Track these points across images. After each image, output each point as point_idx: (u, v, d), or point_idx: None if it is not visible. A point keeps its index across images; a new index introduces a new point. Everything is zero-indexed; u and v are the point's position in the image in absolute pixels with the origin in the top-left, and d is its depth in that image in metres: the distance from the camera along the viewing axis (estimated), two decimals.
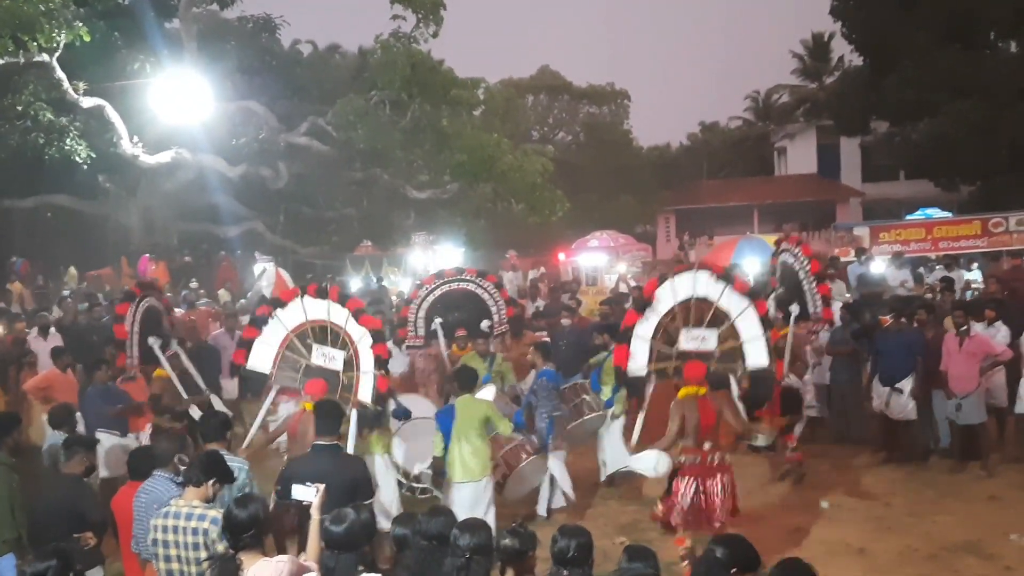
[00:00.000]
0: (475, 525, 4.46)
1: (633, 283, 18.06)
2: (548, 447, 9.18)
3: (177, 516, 5.15)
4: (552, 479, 9.42)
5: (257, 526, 4.62)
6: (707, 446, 7.59)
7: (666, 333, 8.49)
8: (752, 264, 20.45)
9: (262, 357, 8.46)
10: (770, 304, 10.29)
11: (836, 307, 12.36)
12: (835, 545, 8.39)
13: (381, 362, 8.17)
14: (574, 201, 27.39)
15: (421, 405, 10.57)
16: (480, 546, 4.30)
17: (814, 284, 10.30)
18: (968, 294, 15.52)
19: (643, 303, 8.56)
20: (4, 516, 6.22)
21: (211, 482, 5.29)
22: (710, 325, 8.43)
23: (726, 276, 8.57)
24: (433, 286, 12.22)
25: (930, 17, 27.07)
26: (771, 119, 51.23)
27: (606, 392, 10.17)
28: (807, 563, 3.86)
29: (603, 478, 10.38)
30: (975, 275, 17.31)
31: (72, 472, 6.48)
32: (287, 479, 5.90)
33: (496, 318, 12.00)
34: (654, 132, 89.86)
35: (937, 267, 18.06)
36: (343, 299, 8.38)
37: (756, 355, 8.40)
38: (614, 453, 10.19)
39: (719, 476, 7.60)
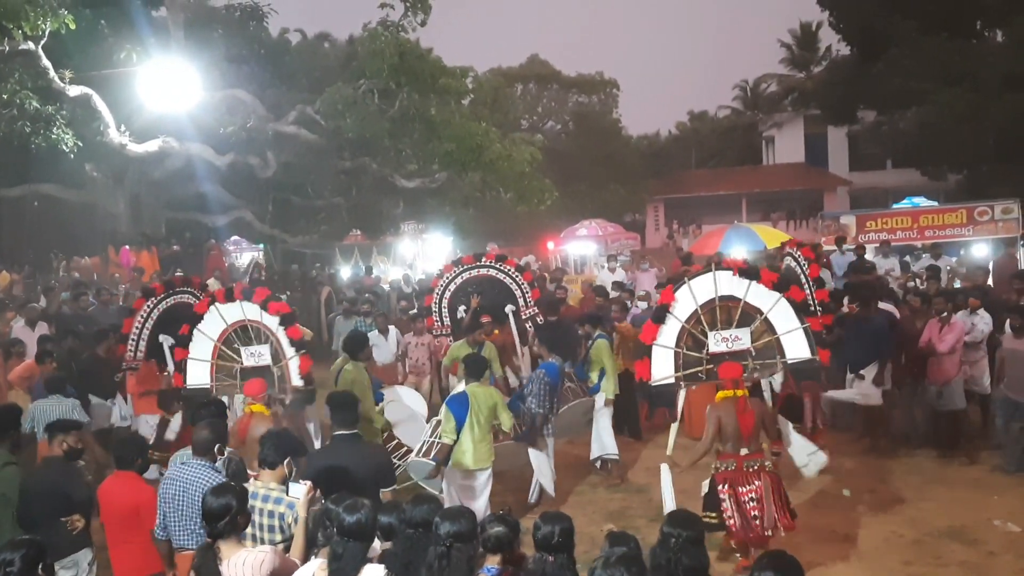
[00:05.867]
0: (456, 513, 4.47)
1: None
2: (526, 439, 9.20)
3: (254, 497, 5.21)
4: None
5: (231, 515, 4.64)
6: (743, 451, 7.26)
7: (691, 338, 8.15)
8: (739, 253, 20.50)
9: (198, 373, 8.49)
10: None
11: None
12: (821, 531, 8.43)
13: (298, 344, 8.28)
14: (563, 190, 27.42)
15: (411, 396, 10.62)
16: (461, 533, 4.30)
17: (813, 289, 10.20)
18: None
19: (661, 312, 8.26)
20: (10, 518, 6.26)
21: (286, 461, 5.45)
22: (740, 324, 8.05)
23: (750, 272, 8.18)
24: (453, 274, 12.20)
25: (917, 5, 27.11)
26: (759, 108, 51.36)
27: (593, 379, 10.25)
28: (792, 555, 3.91)
29: (591, 458, 10.44)
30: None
31: (54, 455, 6.48)
32: (309, 470, 5.93)
33: (522, 302, 11.96)
34: (643, 121, 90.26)
35: (924, 255, 18.12)
36: (248, 295, 8.43)
37: (796, 346, 7.96)
38: (599, 438, 10.26)
39: (757, 483, 7.20)
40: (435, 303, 12.20)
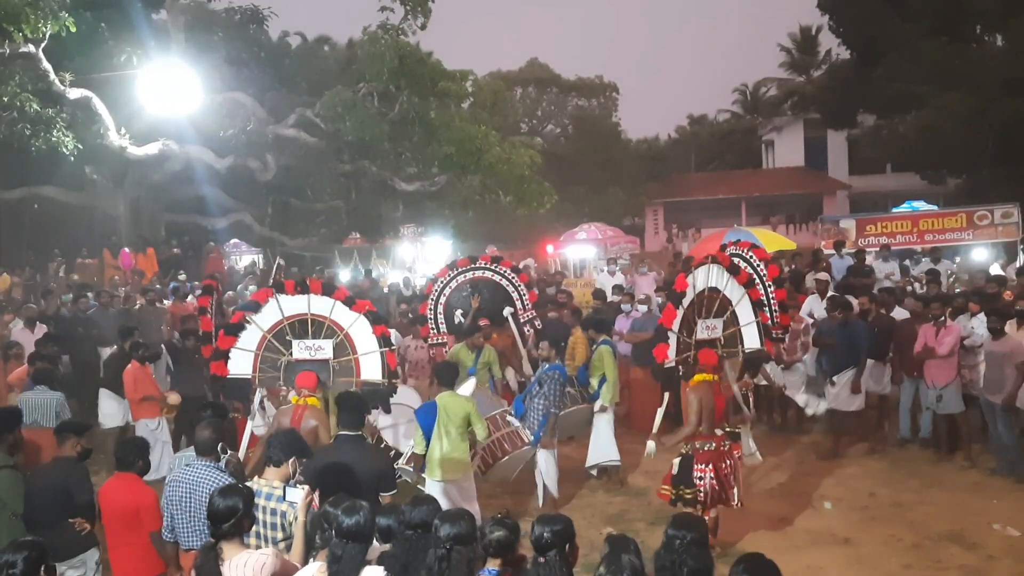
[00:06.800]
0: (456, 515, 4.45)
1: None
2: (538, 441, 9.20)
3: (259, 494, 5.23)
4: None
5: (236, 517, 4.65)
6: (719, 432, 7.84)
7: (687, 324, 8.55)
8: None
9: (242, 362, 8.45)
10: None
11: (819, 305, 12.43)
12: (820, 535, 8.46)
13: (386, 340, 8.27)
14: (562, 193, 27.43)
15: (411, 397, 10.60)
16: (460, 536, 4.29)
17: (771, 289, 10.33)
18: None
19: (677, 297, 8.55)
20: (15, 521, 6.25)
21: (291, 460, 5.46)
22: (717, 314, 8.64)
23: (731, 268, 8.77)
24: (448, 278, 12.08)
25: (917, 10, 27.12)
26: (759, 112, 51.34)
27: (594, 384, 10.19)
28: (769, 559, 3.92)
29: (587, 464, 10.40)
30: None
31: (66, 455, 6.49)
32: (312, 469, 5.93)
33: (520, 304, 11.92)
34: (643, 125, 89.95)
35: (924, 259, 18.13)
36: (328, 290, 8.41)
37: (750, 338, 8.75)
38: (600, 444, 10.23)
39: (730, 460, 7.87)
40: (430, 310, 12.09)
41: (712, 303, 8.59)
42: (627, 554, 4.15)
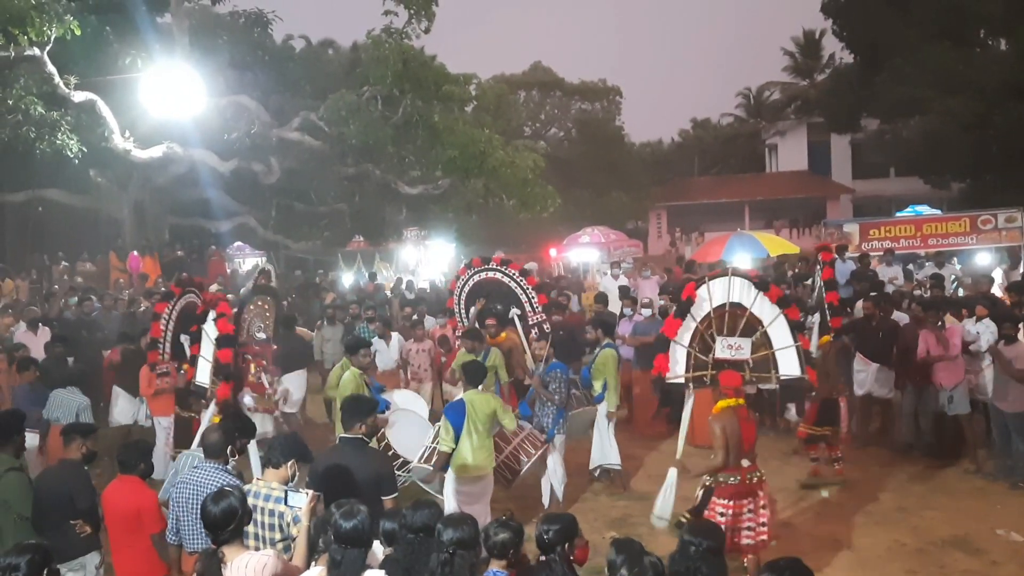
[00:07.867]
0: (459, 519, 4.47)
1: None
2: (552, 438, 9.29)
3: (256, 496, 5.24)
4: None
5: (235, 520, 4.64)
6: (745, 463, 7.04)
7: (702, 340, 8.19)
8: (742, 260, 20.48)
9: (203, 371, 8.54)
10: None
11: None
12: (823, 539, 8.43)
13: (221, 368, 8.29)
14: (566, 197, 27.44)
15: (413, 401, 10.61)
16: (463, 540, 4.31)
17: (824, 293, 10.26)
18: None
19: (684, 307, 8.27)
20: (21, 523, 6.26)
21: (290, 463, 5.45)
22: (743, 333, 8.12)
23: (760, 283, 8.26)
24: (467, 276, 12.24)
25: (921, 14, 27.11)
26: (762, 116, 51.36)
27: (596, 388, 10.17)
28: (805, 565, 3.90)
29: (590, 467, 10.39)
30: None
31: (70, 458, 6.50)
32: (312, 472, 5.94)
33: (528, 307, 11.94)
34: (646, 128, 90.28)
35: (927, 263, 18.13)
36: (213, 305, 8.49)
37: (788, 364, 8.08)
38: (602, 447, 10.21)
39: (760, 494, 7.10)
40: (456, 305, 12.23)
41: (736, 320, 8.12)
42: (647, 556, 4.14)
